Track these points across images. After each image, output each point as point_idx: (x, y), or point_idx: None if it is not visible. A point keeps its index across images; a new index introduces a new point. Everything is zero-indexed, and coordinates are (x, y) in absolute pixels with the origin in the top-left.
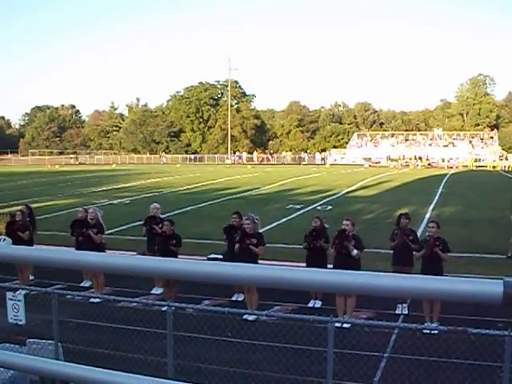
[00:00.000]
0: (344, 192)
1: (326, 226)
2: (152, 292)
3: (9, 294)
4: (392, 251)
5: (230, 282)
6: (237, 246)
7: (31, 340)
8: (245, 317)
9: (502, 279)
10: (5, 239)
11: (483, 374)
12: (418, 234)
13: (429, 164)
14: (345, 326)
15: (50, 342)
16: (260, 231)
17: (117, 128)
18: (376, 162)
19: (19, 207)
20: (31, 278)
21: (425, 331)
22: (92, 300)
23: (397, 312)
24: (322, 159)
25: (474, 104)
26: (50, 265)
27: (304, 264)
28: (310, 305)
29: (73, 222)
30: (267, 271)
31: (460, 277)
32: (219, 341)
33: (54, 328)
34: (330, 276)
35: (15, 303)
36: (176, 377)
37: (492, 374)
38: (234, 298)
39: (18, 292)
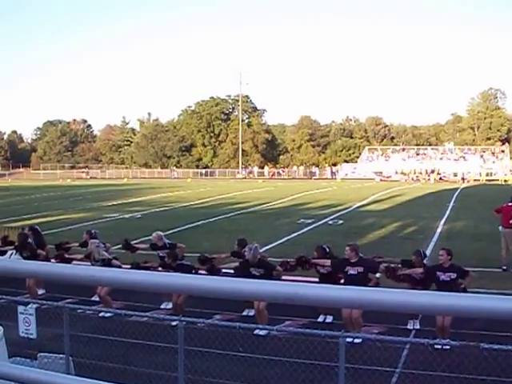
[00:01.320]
0: (355, 206)
1: (327, 250)
2: (162, 307)
3: (20, 308)
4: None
5: (241, 298)
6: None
7: (42, 354)
8: (256, 332)
9: None
10: (16, 253)
11: None
12: (429, 249)
13: (440, 178)
14: (356, 340)
15: (61, 355)
16: (259, 258)
17: (128, 142)
18: (387, 177)
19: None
20: (42, 291)
21: (437, 346)
22: (103, 314)
23: (408, 327)
24: (333, 173)
25: (485, 118)
26: (64, 281)
27: (314, 279)
28: (320, 320)
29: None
30: (279, 287)
31: (472, 292)
32: (230, 355)
33: (65, 342)
34: (341, 292)
35: (26, 317)
36: None
37: None
38: (244, 313)
39: (29, 306)
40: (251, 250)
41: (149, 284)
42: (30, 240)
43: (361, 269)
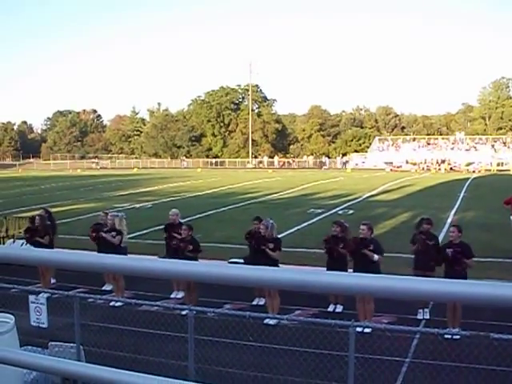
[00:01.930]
0: (365, 196)
1: (347, 225)
2: (172, 296)
3: (31, 297)
4: (413, 256)
5: (250, 285)
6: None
7: (53, 343)
8: (266, 321)
9: None
10: (26, 243)
11: (506, 380)
12: (440, 238)
13: (450, 168)
14: (366, 330)
15: (72, 344)
16: (278, 236)
17: (138, 132)
18: (397, 167)
19: (38, 211)
20: (53, 281)
21: (446, 336)
22: (113, 303)
23: (418, 317)
24: (343, 163)
25: (496, 107)
26: (76, 268)
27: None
28: (330, 309)
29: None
30: (287, 274)
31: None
32: (240, 345)
33: (75, 331)
34: (350, 279)
35: (38, 306)
36: (197, 380)
37: None
38: (254, 303)
39: (40, 295)
40: (268, 228)
41: (159, 271)
42: (48, 222)
43: (372, 247)
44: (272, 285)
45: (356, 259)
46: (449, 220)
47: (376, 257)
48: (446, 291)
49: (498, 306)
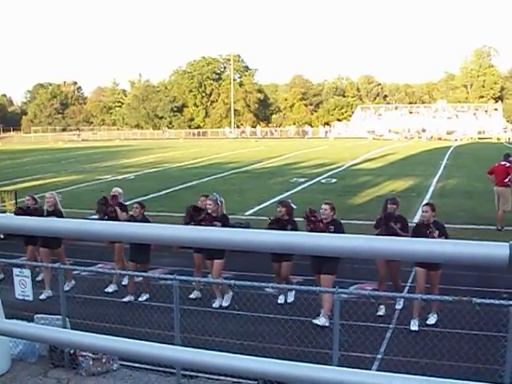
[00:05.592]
0: (348, 165)
1: (294, 206)
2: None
3: (16, 271)
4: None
5: (226, 247)
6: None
7: (39, 315)
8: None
9: (508, 242)
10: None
11: (487, 344)
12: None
13: (431, 136)
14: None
15: (58, 317)
16: (224, 213)
17: (119, 104)
18: (380, 135)
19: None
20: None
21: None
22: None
23: (402, 283)
24: (326, 132)
25: (478, 76)
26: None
27: None
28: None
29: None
30: (276, 237)
31: None
32: (226, 313)
33: (61, 303)
34: (333, 240)
35: (22, 279)
36: None
37: (496, 344)
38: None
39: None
40: (217, 204)
41: (140, 235)
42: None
43: (332, 228)
44: (262, 248)
45: None
46: (431, 187)
47: None
48: (431, 251)
49: (481, 265)
